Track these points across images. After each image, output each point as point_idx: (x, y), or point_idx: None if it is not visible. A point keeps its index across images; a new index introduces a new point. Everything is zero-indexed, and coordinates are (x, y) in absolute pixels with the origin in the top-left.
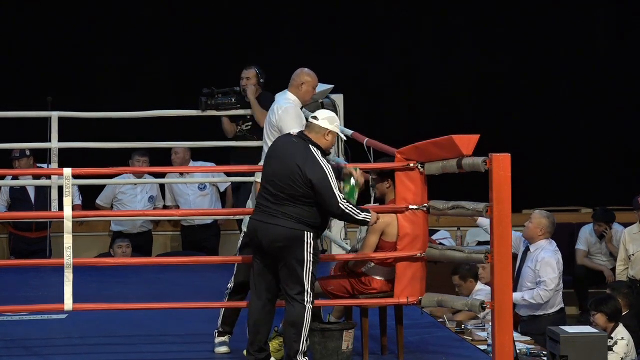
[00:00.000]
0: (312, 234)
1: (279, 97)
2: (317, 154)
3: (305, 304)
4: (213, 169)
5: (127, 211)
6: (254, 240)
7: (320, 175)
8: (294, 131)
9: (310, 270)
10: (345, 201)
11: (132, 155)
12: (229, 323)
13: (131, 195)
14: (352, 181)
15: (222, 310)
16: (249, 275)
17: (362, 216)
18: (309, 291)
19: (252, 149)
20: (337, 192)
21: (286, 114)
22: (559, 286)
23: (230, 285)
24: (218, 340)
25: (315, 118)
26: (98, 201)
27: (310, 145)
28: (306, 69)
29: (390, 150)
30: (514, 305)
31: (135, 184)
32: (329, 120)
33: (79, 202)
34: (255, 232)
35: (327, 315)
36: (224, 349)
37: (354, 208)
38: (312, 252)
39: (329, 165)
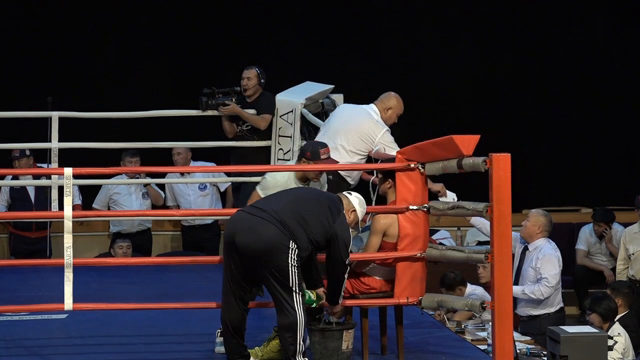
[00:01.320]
0: (296, 244)
1: (363, 106)
2: (344, 220)
3: (296, 307)
4: (213, 168)
5: (128, 211)
6: (231, 233)
7: (345, 235)
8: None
9: (296, 273)
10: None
11: (122, 156)
12: None
13: (126, 194)
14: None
15: None
16: None
17: (341, 291)
18: (298, 292)
19: (252, 149)
20: (348, 258)
21: (387, 136)
22: (559, 284)
23: None
24: (219, 339)
25: (350, 193)
26: (94, 205)
27: (343, 211)
28: (395, 93)
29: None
30: (514, 305)
31: (129, 184)
32: (359, 202)
33: (79, 202)
34: (235, 223)
35: (327, 315)
36: (224, 349)
37: (345, 281)
38: (295, 258)
39: (350, 236)
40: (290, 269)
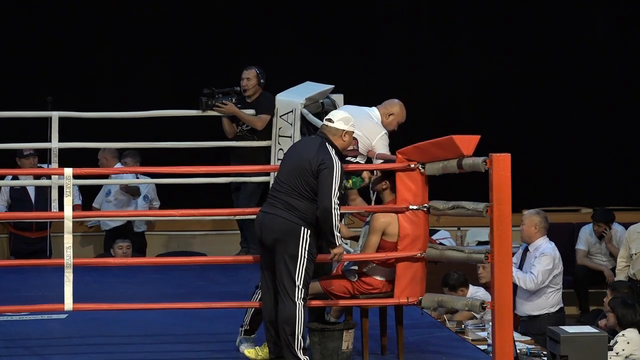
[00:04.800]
0: (309, 230)
1: (365, 108)
2: (331, 151)
3: (296, 300)
4: (213, 169)
5: (127, 211)
6: (257, 233)
7: (326, 165)
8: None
9: (304, 267)
10: (338, 205)
11: (123, 155)
12: (256, 320)
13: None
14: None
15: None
16: None
17: (336, 231)
18: (301, 288)
19: (252, 149)
20: (335, 188)
21: (383, 140)
22: (559, 285)
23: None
24: (242, 337)
25: (330, 120)
26: (94, 204)
27: (326, 142)
28: (399, 101)
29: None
30: (514, 306)
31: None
32: (344, 121)
33: (79, 202)
34: (258, 224)
35: (326, 315)
36: (246, 348)
37: (338, 220)
38: (307, 248)
39: (339, 162)
40: (300, 259)
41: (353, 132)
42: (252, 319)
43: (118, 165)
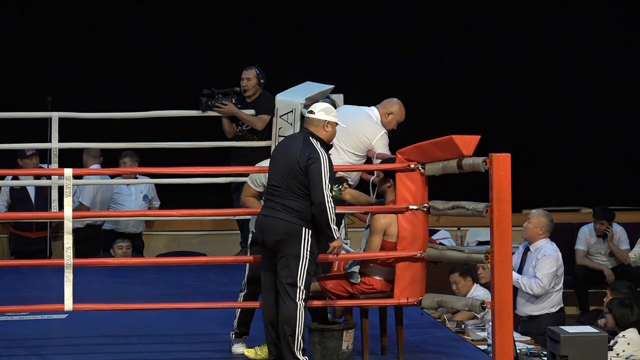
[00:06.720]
0: (311, 230)
1: (364, 108)
2: (316, 144)
3: (297, 300)
4: (214, 169)
5: (127, 211)
6: (258, 235)
7: (314, 159)
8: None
9: (305, 267)
10: (332, 197)
11: (121, 156)
12: (245, 323)
13: (126, 194)
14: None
15: (238, 311)
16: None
17: (333, 226)
18: (302, 289)
19: (252, 149)
20: (326, 180)
21: (383, 139)
22: (559, 286)
23: (243, 286)
24: (234, 339)
25: (311, 112)
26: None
27: (310, 137)
28: (398, 100)
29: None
30: (514, 306)
31: (128, 184)
32: (325, 112)
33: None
34: (259, 227)
35: (328, 315)
36: (244, 348)
37: (333, 212)
38: (308, 249)
39: (326, 155)
40: (302, 260)
41: (336, 123)
42: (240, 323)
43: (95, 166)
